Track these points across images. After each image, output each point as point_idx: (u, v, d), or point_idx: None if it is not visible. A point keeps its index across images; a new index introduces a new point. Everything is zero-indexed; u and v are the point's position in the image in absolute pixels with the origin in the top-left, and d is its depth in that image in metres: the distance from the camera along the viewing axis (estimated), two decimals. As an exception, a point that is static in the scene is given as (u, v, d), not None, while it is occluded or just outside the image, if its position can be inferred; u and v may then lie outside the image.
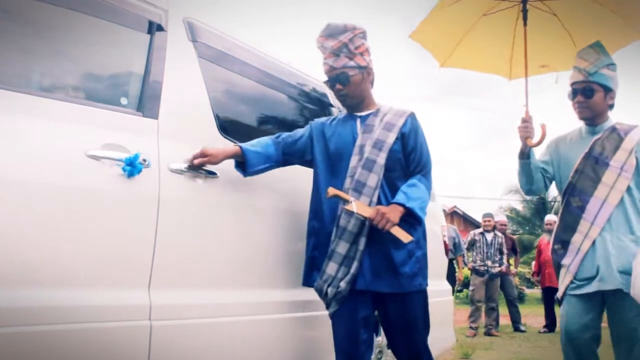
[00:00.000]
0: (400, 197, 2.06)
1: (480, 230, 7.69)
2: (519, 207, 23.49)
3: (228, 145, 2.09)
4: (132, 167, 1.69)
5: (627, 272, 2.19)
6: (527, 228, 22.65)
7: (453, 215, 21.78)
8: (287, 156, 2.21)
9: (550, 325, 7.89)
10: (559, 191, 2.53)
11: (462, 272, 7.55)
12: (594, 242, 2.28)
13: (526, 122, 2.44)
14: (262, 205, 2.19)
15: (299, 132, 2.27)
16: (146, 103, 1.85)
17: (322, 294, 2.10)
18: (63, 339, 1.50)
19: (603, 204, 2.29)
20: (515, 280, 10.34)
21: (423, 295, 2.15)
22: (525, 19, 2.64)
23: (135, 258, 1.70)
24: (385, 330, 2.20)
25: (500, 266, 7.38)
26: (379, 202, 2.08)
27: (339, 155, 2.17)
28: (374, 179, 2.08)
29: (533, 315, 9.76)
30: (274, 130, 2.42)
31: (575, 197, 2.37)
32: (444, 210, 7.26)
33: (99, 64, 1.88)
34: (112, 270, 1.64)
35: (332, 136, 2.21)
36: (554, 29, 2.78)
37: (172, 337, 1.76)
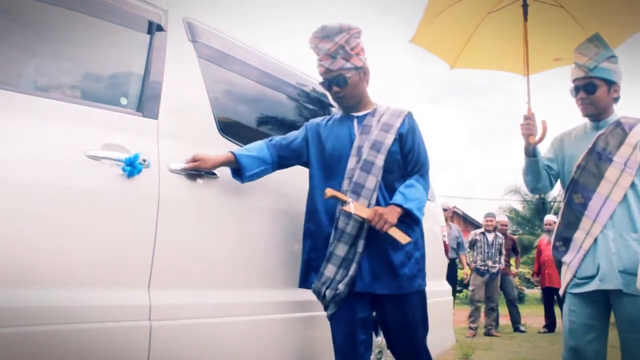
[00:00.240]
0: (397, 198, 2.05)
1: (482, 230, 7.69)
2: (519, 207, 23.49)
3: (228, 145, 2.09)
4: (132, 167, 1.69)
5: (628, 272, 2.16)
6: (527, 228, 22.64)
7: (453, 215, 21.73)
8: (283, 158, 2.19)
9: (550, 325, 7.89)
10: (563, 188, 2.48)
11: (465, 271, 7.55)
12: (595, 240, 2.24)
13: (528, 119, 2.39)
14: (261, 205, 2.19)
15: (293, 133, 2.26)
16: (146, 103, 1.85)
17: (320, 296, 2.09)
18: (63, 339, 1.50)
19: (605, 201, 2.25)
20: (515, 281, 10.34)
21: (422, 295, 2.14)
22: (525, 14, 2.61)
23: (135, 258, 1.70)
24: (384, 331, 2.20)
25: (499, 264, 7.38)
26: (377, 204, 2.07)
27: (335, 157, 2.15)
28: (372, 181, 2.07)
29: (533, 316, 9.77)
30: (274, 130, 2.42)
31: (578, 194, 2.33)
32: (446, 210, 7.25)
33: (99, 64, 1.89)
34: (111, 270, 1.64)
35: (329, 137, 2.20)
36: (563, 21, 2.73)
37: (172, 337, 1.76)
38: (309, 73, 2.75)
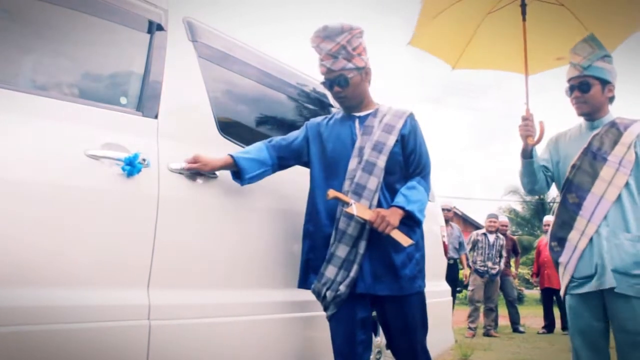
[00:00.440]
0: (400, 199, 2.05)
1: (483, 230, 7.69)
2: (519, 208, 23.50)
3: (228, 144, 2.09)
4: (132, 166, 1.69)
5: (619, 271, 2.16)
6: (527, 229, 22.66)
7: (453, 215, 21.71)
8: (283, 159, 2.19)
9: (549, 326, 7.90)
10: (558, 188, 2.49)
11: (465, 272, 7.55)
12: (591, 240, 2.25)
13: (527, 120, 2.39)
14: (261, 205, 2.19)
15: (294, 133, 2.25)
16: (146, 103, 1.85)
17: (321, 297, 2.09)
18: (62, 338, 1.50)
19: (600, 201, 2.26)
20: (515, 282, 10.34)
21: (422, 296, 2.14)
22: (524, 13, 2.61)
23: (134, 258, 1.70)
24: (384, 331, 2.20)
25: (498, 266, 7.38)
26: (379, 205, 2.07)
27: (336, 157, 2.15)
28: (374, 182, 2.06)
29: (532, 316, 9.77)
30: (273, 130, 2.42)
31: (572, 194, 2.34)
32: (449, 210, 7.26)
33: (99, 63, 1.89)
34: (111, 269, 1.64)
35: (330, 137, 2.19)
36: (564, 19, 2.73)
37: (171, 337, 1.76)
38: (309, 73, 2.75)
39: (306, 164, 2.24)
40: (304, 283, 2.17)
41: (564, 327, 7.28)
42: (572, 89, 2.39)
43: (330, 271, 2.05)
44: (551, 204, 21.39)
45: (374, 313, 2.21)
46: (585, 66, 2.34)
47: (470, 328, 7.22)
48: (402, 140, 2.14)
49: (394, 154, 2.11)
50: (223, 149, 2.06)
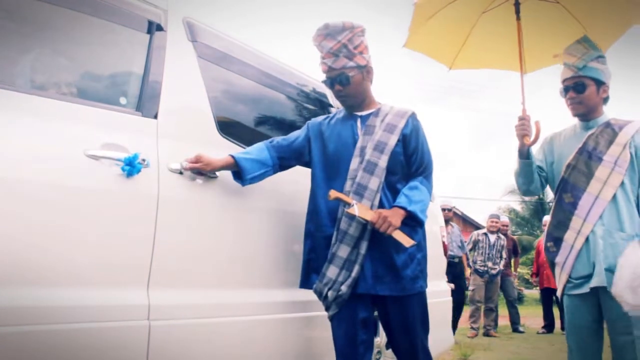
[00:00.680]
0: (402, 200, 2.05)
1: (484, 230, 7.69)
2: (518, 208, 23.50)
3: (228, 145, 2.09)
4: (131, 166, 1.69)
5: (612, 271, 2.15)
6: (526, 229, 22.65)
7: (453, 215, 21.69)
8: (284, 160, 2.19)
9: (549, 326, 7.90)
10: (552, 189, 2.49)
11: (466, 272, 7.57)
12: (587, 239, 2.25)
13: (523, 119, 2.39)
14: (261, 205, 2.19)
15: (295, 133, 2.25)
16: (145, 103, 1.85)
17: (322, 297, 2.09)
18: (61, 338, 1.50)
19: (596, 200, 2.26)
20: (515, 282, 10.34)
21: (423, 296, 2.15)
22: (517, 12, 2.61)
23: (134, 258, 1.70)
24: (385, 331, 2.20)
25: (498, 266, 7.38)
26: (381, 205, 2.07)
27: (338, 157, 2.15)
28: (375, 182, 2.06)
29: (532, 316, 9.77)
30: (273, 130, 2.42)
31: (568, 193, 2.34)
32: (450, 209, 7.25)
33: (98, 63, 1.89)
34: (110, 269, 1.64)
35: (331, 136, 2.19)
36: (560, 17, 2.73)
37: (171, 337, 1.76)
38: (308, 73, 2.75)
39: (307, 164, 2.24)
40: (305, 283, 2.17)
41: (564, 327, 7.27)
42: (566, 89, 2.40)
43: (331, 271, 2.05)
44: (550, 204, 21.33)
45: (376, 313, 2.21)
46: (580, 67, 2.35)
47: (472, 328, 7.23)
48: (404, 140, 2.13)
49: (395, 154, 2.10)
50: (222, 149, 2.06)
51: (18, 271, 1.44)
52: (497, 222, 7.61)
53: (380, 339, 2.63)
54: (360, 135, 2.15)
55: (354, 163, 2.10)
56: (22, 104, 1.53)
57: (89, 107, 1.70)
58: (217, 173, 2.01)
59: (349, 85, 2.12)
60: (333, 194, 2.00)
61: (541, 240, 8.57)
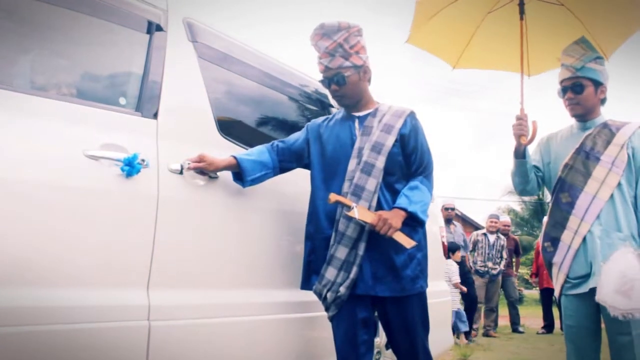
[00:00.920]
0: (402, 200, 2.05)
1: (483, 231, 7.68)
2: (518, 208, 23.49)
3: (228, 145, 2.08)
4: (131, 167, 1.69)
5: None
6: (526, 229, 22.64)
7: (454, 214, 21.66)
8: (285, 162, 2.19)
9: (549, 326, 7.90)
10: (549, 189, 2.49)
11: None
12: (584, 239, 2.26)
13: (521, 119, 2.40)
14: (261, 205, 2.18)
15: (295, 135, 2.25)
16: (145, 103, 1.85)
17: (322, 298, 2.09)
18: (62, 339, 1.50)
19: (593, 200, 2.26)
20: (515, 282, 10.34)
21: (423, 296, 2.15)
22: (521, 12, 2.61)
23: (134, 258, 1.70)
24: (385, 331, 2.20)
25: (499, 266, 7.38)
26: (379, 206, 2.07)
27: (336, 158, 2.15)
28: (373, 183, 2.06)
29: (531, 317, 9.77)
30: (273, 131, 2.42)
31: (565, 193, 2.35)
32: (453, 209, 7.25)
33: (98, 63, 1.88)
34: (110, 270, 1.64)
35: (329, 138, 2.19)
36: (565, 19, 2.74)
37: (171, 337, 1.76)
38: (308, 73, 2.75)
39: (307, 165, 2.24)
40: (306, 284, 2.17)
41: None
42: (564, 90, 2.40)
43: (330, 273, 2.05)
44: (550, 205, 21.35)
45: (376, 313, 2.21)
46: (578, 67, 2.36)
47: (473, 329, 7.22)
48: (402, 140, 2.13)
49: (393, 155, 2.10)
50: (222, 149, 2.06)
51: (18, 271, 1.44)
52: (496, 222, 7.60)
53: (380, 339, 2.63)
54: (358, 136, 2.15)
55: (352, 164, 2.10)
56: (21, 104, 1.53)
57: (88, 108, 1.70)
58: (218, 174, 2.01)
59: (345, 85, 2.12)
60: (333, 197, 1.99)
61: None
